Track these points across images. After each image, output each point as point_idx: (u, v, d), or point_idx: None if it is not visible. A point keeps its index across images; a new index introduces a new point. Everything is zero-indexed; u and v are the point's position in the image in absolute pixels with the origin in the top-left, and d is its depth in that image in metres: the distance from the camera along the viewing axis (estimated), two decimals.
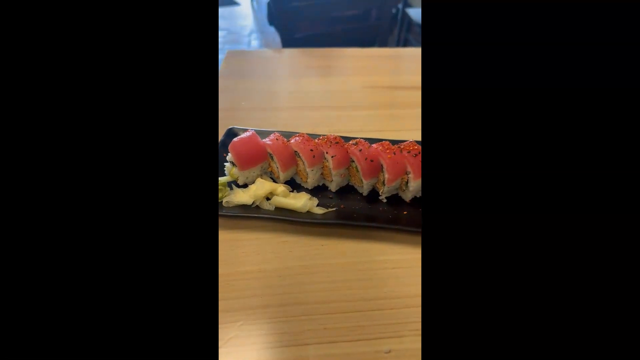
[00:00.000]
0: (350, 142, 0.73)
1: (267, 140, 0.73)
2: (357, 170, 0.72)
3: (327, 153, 0.71)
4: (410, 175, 0.69)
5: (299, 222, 0.69)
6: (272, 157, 0.74)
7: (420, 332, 0.54)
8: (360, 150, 0.70)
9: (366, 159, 0.69)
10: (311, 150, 0.71)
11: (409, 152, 0.69)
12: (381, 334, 0.54)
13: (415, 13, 2.74)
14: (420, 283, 0.61)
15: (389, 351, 0.52)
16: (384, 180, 0.71)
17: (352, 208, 0.72)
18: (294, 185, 0.77)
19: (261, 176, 0.75)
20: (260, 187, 0.70)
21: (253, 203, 0.70)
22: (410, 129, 1.01)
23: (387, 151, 0.69)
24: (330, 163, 0.71)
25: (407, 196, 0.72)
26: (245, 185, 0.75)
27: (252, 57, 1.53)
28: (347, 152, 0.72)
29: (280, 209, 0.70)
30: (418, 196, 0.73)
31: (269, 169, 0.77)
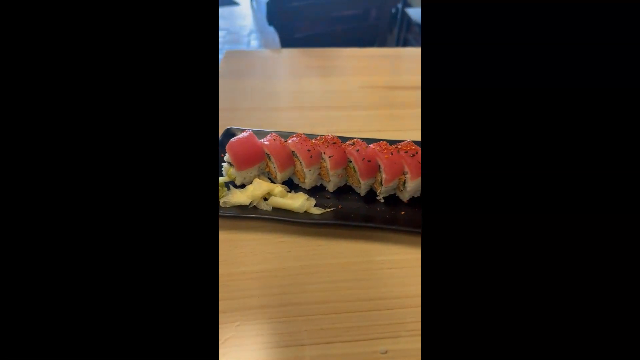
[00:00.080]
0: (348, 142, 0.73)
1: (264, 141, 0.73)
2: (355, 171, 0.72)
3: (324, 153, 0.71)
4: (407, 176, 0.69)
5: (297, 223, 0.69)
6: (269, 158, 0.74)
7: (416, 332, 0.54)
8: (358, 151, 0.70)
9: (363, 159, 0.69)
10: (308, 150, 0.71)
11: (406, 152, 0.69)
12: (378, 335, 0.54)
13: (414, 13, 2.74)
14: (417, 283, 0.61)
15: (386, 352, 0.52)
16: (381, 181, 0.71)
17: (350, 208, 0.72)
18: (291, 185, 0.77)
19: (259, 176, 0.75)
20: (258, 188, 0.70)
21: (250, 203, 0.70)
22: (410, 129, 1.01)
23: (385, 151, 0.69)
24: (328, 163, 0.71)
25: (405, 196, 0.72)
26: (242, 186, 0.75)
27: (251, 57, 1.52)
28: (345, 152, 0.72)
29: (277, 210, 0.70)
30: (416, 196, 0.73)
31: (267, 170, 0.77)
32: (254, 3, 4.78)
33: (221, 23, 4.20)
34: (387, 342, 0.53)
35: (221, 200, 0.70)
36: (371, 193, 0.75)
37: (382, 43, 2.07)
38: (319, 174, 0.75)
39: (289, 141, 0.73)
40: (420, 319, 0.56)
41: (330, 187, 0.75)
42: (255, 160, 0.73)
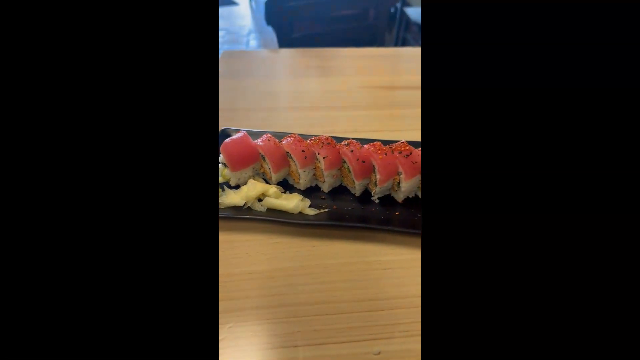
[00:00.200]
0: (342, 142, 0.73)
1: (258, 141, 0.73)
2: (349, 171, 0.72)
3: (318, 154, 0.71)
4: (401, 176, 0.69)
5: (291, 224, 0.69)
6: (263, 158, 0.74)
7: (410, 333, 0.54)
8: (352, 151, 0.70)
9: (358, 159, 0.69)
10: (303, 151, 0.71)
11: (400, 152, 0.68)
12: (371, 336, 0.54)
13: (413, 12, 2.74)
14: (412, 284, 0.61)
15: (379, 352, 0.52)
16: (375, 181, 0.70)
17: (345, 209, 0.72)
18: (286, 186, 0.77)
19: (253, 177, 0.75)
20: (252, 188, 0.70)
21: (245, 204, 0.70)
22: (409, 129, 1.01)
23: (379, 152, 0.69)
24: (322, 164, 0.71)
25: (400, 197, 0.72)
26: (237, 187, 0.74)
27: (248, 58, 1.52)
28: (339, 152, 0.71)
29: (272, 210, 0.70)
30: (410, 197, 0.73)
31: (261, 170, 0.77)
32: (253, 3, 4.77)
33: (220, 23, 4.20)
34: (380, 343, 0.53)
35: None
36: (366, 193, 0.75)
37: (381, 43, 2.06)
38: (314, 175, 0.75)
39: (283, 142, 0.73)
40: (414, 320, 0.56)
41: (325, 188, 0.75)
42: (250, 161, 0.73)
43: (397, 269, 0.63)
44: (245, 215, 0.69)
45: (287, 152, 0.72)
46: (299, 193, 0.74)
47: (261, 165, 0.76)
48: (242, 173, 0.74)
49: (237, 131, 0.81)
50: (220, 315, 0.56)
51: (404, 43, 2.81)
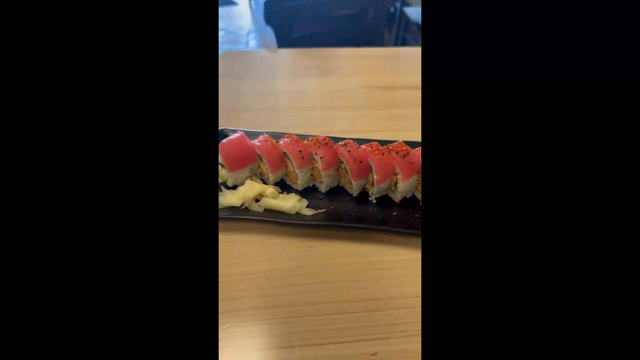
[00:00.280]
0: (339, 143, 0.73)
1: (255, 142, 0.73)
2: (347, 171, 0.71)
3: (315, 154, 0.71)
4: (398, 176, 0.69)
5: (288, 224, 0.69)
6: (261, 159, 0.74)
7: (407, 334, 0.54)
8: (349, 151, 0.70)
9: (355, 160, 0.69)
10: (300, 151, 0.70)
11: (397, 152, 0.68)
12: (368, 336, 0.54)
13: (412, 12, 2.74)
14: (409, 284, 0.61)
15: (375, 353, 0.52)
16: (373, 181, 0.70)
17: (342, 209, 0.72)
18: (284, 186, 0.77)
19: (251, 177, 0.75)
20: (249, 189, 0.70)
21: (242, 205, 0.70)
22: (408, 129, 1.01)
23: (376, 152, 0.69)
24: (319, 164, 0.71)
25: (397, 197, 0.72)
26: (234, 187, 0.74)
27: (247, 58, 1.52)
28: (336, 153, 0.71)
29: (269, 211, 0.70)
30: (408, 197, 0.73)
31: (259, 171, 0.77)
32: (253, 3, 4.77)
33: (220, 23, 4.20)
34: (377, 343, 0.53)
35: None
36: (364, 194, 0.75)
37: (380, 43, 2.06)
38: (311, 175, 0.75)
39: (281, 142, 0.73)
40: (412, 320, 0.56)
41: (323, 188, 0.75)
42: (247, 161, 0.73)
43: (394, 269, 0.63)
44: (242, 216, 0.69)
45: (285, 153, 0.72)
46: (296, 193, 0.74)
47: (258, 166, 0.76)
48: (240, 173, 0.74)
49: (235, 131, 0.81)
50: None
51: (404, 43, 2.81)
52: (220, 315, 0.56)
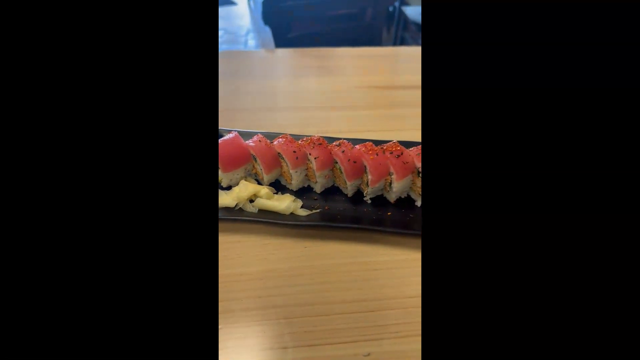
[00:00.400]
0: (334, 143, 0.73)
1: (249, 142, 0.73)
2: (341, 172, 0.71)
3: (310, 154, 0.71)
4: (393, 176, 0.68)
5: (283, 224, 0.69)
6: (255, 159, 0.74)
7: (400, 334, 0.54)
8: (343, 152, 0.69)
9: (349, 160, 0.69)
10: (294, 151, 0.70)
11: (391, 152, 0.68)
12: (361, 337, 0.54)
13: (411, 11, 2.73)
14: (403, 285, 0.61)
15: (368, 354, 0.52)
16: (367, 182, 0.70)
17: (337, 209, 0.72)
18: (279, 186, 0.77)
19: (245, 178, 0.75)
20: (244, 189, 0.70)
21: (236, 205, 0.70)
22: (408, 129, 1.01)
23: (370, 152, 0.68)
24: (314, 164, 0.70)
25: (392, 197, 0.72)
26: (228, 188, 0.74)
27: (246, 57, 1.52)
28: (331, 153, 0.71)
29: (263, 211, 0.70)
30: (402, 197, 0.73)
31: (253, 171, 0.77)
32: (251, 3, 4.77)
33: (219, 23, 4.20)
34: (370, 344, 0.53)
35: None
36: (359, 194, 0.75)
37: (379, 42, 2.06)
38: (306, 175, 0.75)
39: (275, 142, 0.73)
40: (406, 321, 0.56)
41: (318, 188, 0.75)
42: (241, 161, 0.73)
43: (389, 270, 0.63)
44: (236, 217, 0.69)
45: (279, 153, 0.72)
46: (291, 194, 0.74)
47: (253, 166, 0.76)
48: (234, 174, 0.74)
49: (231, 132, 0.80)
50: None
51: (402, 42, 2.81)
52: None
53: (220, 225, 0.69)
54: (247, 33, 4.05)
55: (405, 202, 0.73)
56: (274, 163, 0.73)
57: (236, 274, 0.62)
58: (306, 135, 0.76)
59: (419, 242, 0.67)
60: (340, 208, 0.72)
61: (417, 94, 1.16)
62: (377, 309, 0.57)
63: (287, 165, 0.72)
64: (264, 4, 1.86)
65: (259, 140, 0.73)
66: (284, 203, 0.69)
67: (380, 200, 0.73)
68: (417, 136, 0.85)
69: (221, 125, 0.89)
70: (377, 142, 0.74)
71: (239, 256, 0.65)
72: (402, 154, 0.68)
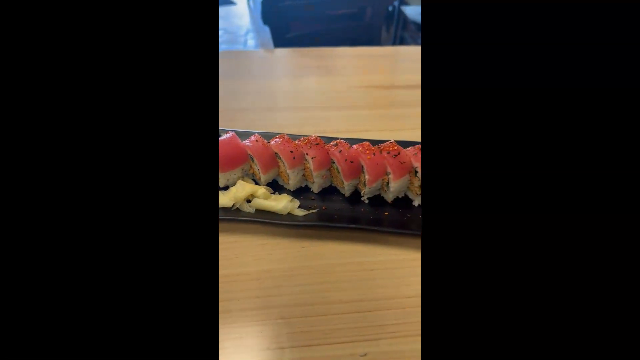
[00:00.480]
0: (331, 143, 0.73)
1: (247, 142, 0.73)
2: (338, 172, 0.71)
3: (307, 154, 0.71)
4: (390, 176, 0.68)
5: (280, 224, 0.69)
6: (252, 159, 0.74)
7: (397, 335, 0.54)
8: (340, 152, 0.69)
9: (346, 160, 0.69)
10: (291, 151, 0.70)
11: (388, 152, 0.68)
12: (358, 337, 0.54)
13: (411, 11, 2.73)
14: (400, 285, 0.60)
15: (365, 354, 0.52)
16: (365, 181, 0.70)
17: (334, 209, 0.71)
18: (276, 186, 0.77)
19: (242, 178, 0.75)
20: (241, 190, 0.70)
21: (233, 205, 0.70)
22: (408, 129, 1.00)
23: (367, 152, 0.68)
24: (311, 164, 0.70)
25: (389, 197, 0.71)
26: (226, 188, 0.74)
27: (245, 57, 1.52)
28: (328, 153, 0.71)
29: (261, 212, 0.70)
30: (400, 197, 0.73)
31: (251, 171, 0.77)
32: (251, 2, 4.77)
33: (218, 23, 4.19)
34: (367, 344, 0.53)
35: None
36: (356, 194, 0.75)
37: (378, 42, 2.06)
38: (304, 175, 0.75)
39: (272, 142, 0.73)
40: (403, 321, 0.56)
41: (315, 188, 0.74)
42: (238, 162, 0.73)
43: (386, 270, 0.63)
44: (233, 217, 0.68)
45: (276, 153, 0.72)
46: (288, 194, 0.74)
47: (250, 166, 0.76)
48: (231, 174, 0.74)
49: (232, 132, 0.80)
50: None
51: (402, 42, 2.81)
52: None
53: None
54: (247, 33, 4.05)
55: (402, 201, 0.73)
56: (271, 163, 0.73)
57: (233, 274, 0.62)
58: (304, 135, 0.76)
59: (416, 242, 0.67)
60: (338, 208, 0.72)
61: (417, 94, 1.16)
62: (374, 309, 0.57)
63: (284, 165, 0.72)
64: (263, 4, 1.86)
65: (256, 140, 0.73)
66: (281, 203, 0.69)
67: (377, 200, 0.73)
68: (416, 136, 0.85)
69: (220, 125, 0.89)
70: (377, 142, 0.74)
71: (236, 256, 0.65)
72: (399, 153, 0.68)
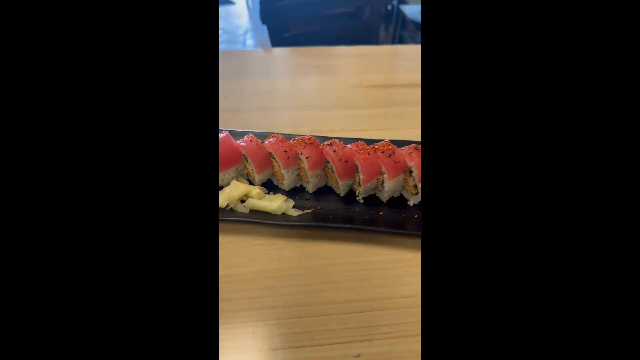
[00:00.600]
0: (325, 142, 0.72)
1: (240, 142, 0.73)
2: (333, 171, 0.71)
3: (301, 154, 0.70)
4: (384, 176, 0.68)
5: (274, 225, 0.68)
6: (246, 159, 0.73)
7: (391, 335, 0.54)
8: (335, 151, 0.69)
9: (340, 159, 0.68)
10: (285, 151, 0.70)
11: (382, 152, 0.68)
12: (352, 338, 0.53)
13: (410, 10, 2.73)
14: (394, 285, 0.60)
15: (358, 355, 0.51)
16: (359, 181, 0.70)
17: (329, 209, 0.71)
18: (271, 186, 0.76)
19: (237, 178, 0.74)
20: (235, 190, 0.70)
21: (227, 206, 0.69)
22: (406, 128, 1.00)
23: (362, 152, 0.68)
24: (305, 164, 0.70)
25: (384, 196, 0.71)
26: (220, 188, 0.74)
27: (244, 57, 1.52)
28: (322, 152, 0.71)
29: (255, 212, 0.69)
30: (395, 196, 0.72)
31: (245, 171, 0.76)
32: (250, 2, 4.76)
33: None
34: (361, 345, 0.53)
35: None
36: (351, 193, 0.74)
37: (377, 41, 2.05)
38: (298, 175, 0.74)
39: (266, 142, 0.72)
40: (397, 322, 0.55)
41: (310, 188, 0.74)
42: (232, 161, 0.73)
43: (381, 270, 0.62)
44: (227, 217, 0.68)
45: (270, 153, 0.72)
46: (283, 194, 0.73)
47: (244, 166, 0.75)
48: (225, 174, 0.73)
49: (225, 132, 0.80)
50: None
51: (401, 41, 2.80)
52: None
53: None
54: (246, 32, 4.05)
55: (397, 201, 0.72)
56: (265, 163, 0.72)
57: (227, 275, 0.61)
58: (300, 135, 0.76)
59: (411, 241, 0.66)
60: (333, 208, 0.71)
61: (416, 93, 1.16)
62: (369, 309, 0.57)
63: (278, 165, 0.72)
64: (262, 3, 1.85)
65: (250, 140, 0.72)
66: (275, 203, 0.69)
67: (372, 200, 0.73)
68: (415, 135, 0.85)
69: (220, 125, 0.89)
70: (375, 141, 0.73)
71: (230, 257, 0.64)
72: (393, 153, 0.67)
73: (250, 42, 3.87)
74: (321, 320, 0.55)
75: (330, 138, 0.75)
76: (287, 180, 0.73)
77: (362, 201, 0.72)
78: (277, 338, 0.53)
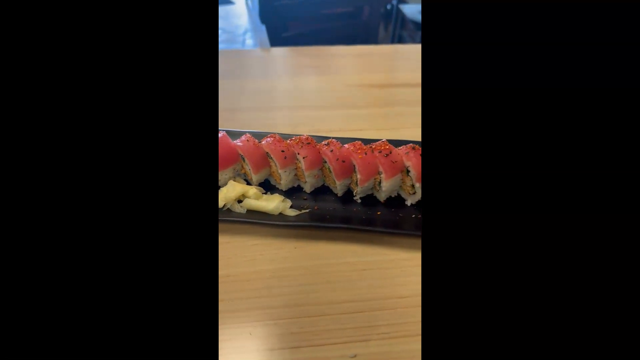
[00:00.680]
0: (323, 142, 0.72)
1: (237, 142, 0.72)
2: (330, 171, 0.71)
3: (298, 154, 0.70)
4: (382, 176, 0.68)
5: (271, 225, 0.68)
6: (243, 159, 0.73)
7: (387, 336, 0.54)
8: (332, 151, 0.69)
9: (337, 159, 0.68)
10: (282, 151, 0.70)
11: (380, 152, 0.67)
12: (348, 338, 0.53)
13: (409, 9, 2.72)
14: (391, 285, 0.60)
15: (355, 356, 0.51)
16: (357, 181, 0.69)
17: (326, 209, 0.71)
18: (268, 186, 0.76)
19: (234, 178, 0.74)
20: (231, 190, 0.70)
21: (224, 206, 0.69)
22: (406, 127, 1.00)
23: (359, 151, 0.68)
24: (302, 164, 0.70)
25: (382, 196, 0.71)
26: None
27: (243, 57, 1.52)
28: (320, 152, 0.70)
29: (252, 212, 0.69)
30: (393, 196, 0.72)
31: (242, 171, 0.76)
32: (249, 2, 4.76)
33: None
34: (357, 345, 0.52)
35: None
36: (349, 193, 0.74)
37: (376, 40, 2.05)
38: (296, 175, 0.74)
39: (263, 142, 0.72)
40: (394, 322, 0.55)
41: (307, 188, 0.74)
42: (229, 162, 0.72)
43: (378, 270, 0.62)
44: (224, 217, 0.68)
45: (267, 153, 0.72)
46: (280, 194, 0.73)
47: (242, 166, 0.75)
48: (222, 174, 0.73)
49: (222, 132, 0.80)
50: None
51: (400, 40, 2.80)
52: None
53: None
54: (245, 32, 4.05)
55: (395, 201, 0.72)
56: (262, 163, 0.72)
57: (224, 275, 0.61)
58: (294, 135, 0.75)
59: (409, 241, 0.66)
60: (330, 208, 0.71)
61: (415, 92, 1.16)
62: (366, 309, 0.57)
63: (275, 165, 0.71)
64: (261, 3, 1.85)
65: (247, 140, 0.72)
66: (273, 203, 0.68)
67: (370, 200, 0.73)
68: (415, 134, 0.85)
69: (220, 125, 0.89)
70: (374, 141, 0.73)
71: (228, 257, 0.64)
72: (390, 152, 0.67)
73: (249, 41, 3.87)
74: (318, 321, 0.55)
75: (329, 138, 0.75)
76: (284, 180, 0.72)
77: (359, 201, 0.72)
78: (275, 338, 0.53)
